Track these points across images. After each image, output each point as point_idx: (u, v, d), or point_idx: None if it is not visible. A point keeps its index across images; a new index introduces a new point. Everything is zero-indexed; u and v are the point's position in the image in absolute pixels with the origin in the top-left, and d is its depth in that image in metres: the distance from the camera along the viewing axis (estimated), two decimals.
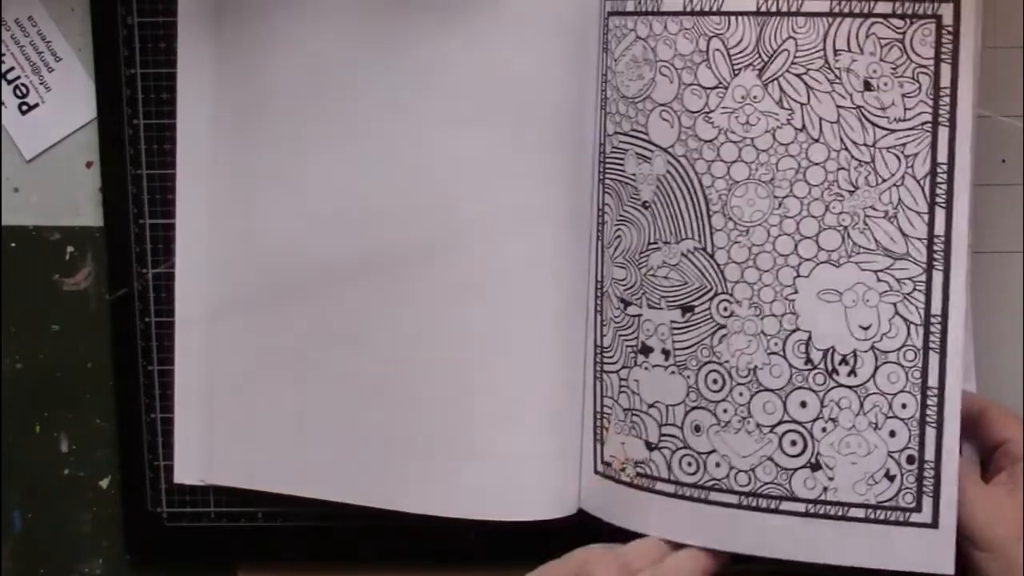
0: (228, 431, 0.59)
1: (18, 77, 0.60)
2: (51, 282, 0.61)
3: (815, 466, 0.52)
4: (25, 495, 0.63)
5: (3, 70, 0.60)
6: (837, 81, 0.50)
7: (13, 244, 0.61)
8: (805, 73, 0.51)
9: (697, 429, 0.53)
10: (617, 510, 0.56)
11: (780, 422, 0.52)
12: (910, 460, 0.51)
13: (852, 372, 0.51)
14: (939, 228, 0.51)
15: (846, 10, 0.50)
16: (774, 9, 0.50)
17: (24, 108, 0.60)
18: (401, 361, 0.57)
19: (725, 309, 0.52)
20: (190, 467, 0.60)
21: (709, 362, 0.53)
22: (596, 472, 0.57)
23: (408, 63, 0.56)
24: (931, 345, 0.51)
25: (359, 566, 0.62)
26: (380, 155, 0.57)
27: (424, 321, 0.57)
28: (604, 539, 0.55)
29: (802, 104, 0.51)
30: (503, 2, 0.55)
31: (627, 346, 0.55)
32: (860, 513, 0.52)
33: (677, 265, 0.53)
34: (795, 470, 0.52)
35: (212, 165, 0.59)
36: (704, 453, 0.53)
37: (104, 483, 0.62)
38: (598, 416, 0.57)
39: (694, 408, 0.53)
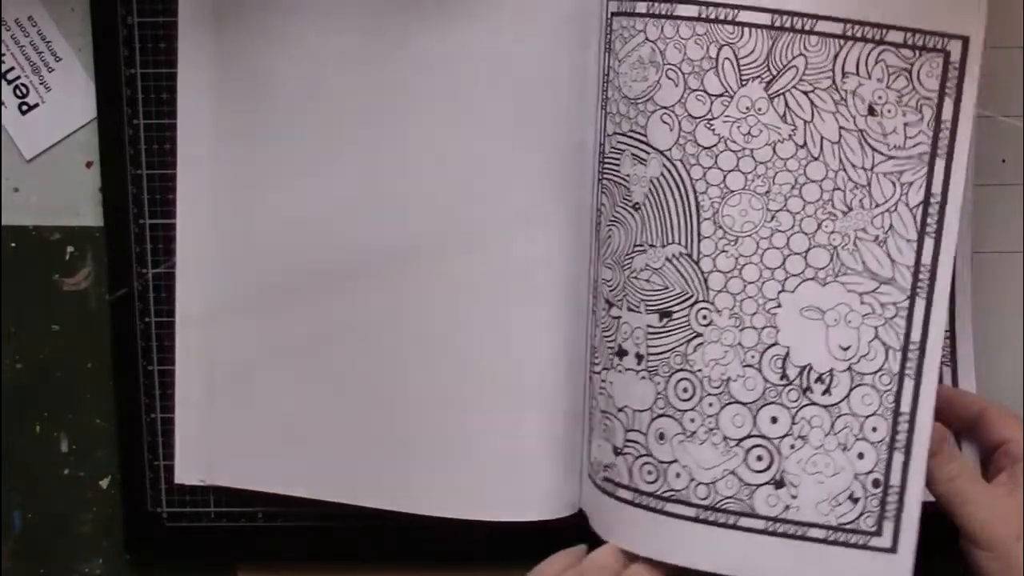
0: (228, 431, 0.59)
1: (18, 77, 0.60)
2: (51, 282, 0.61)
3: (779, 483, 0.52)
4: (25, 495, 0.63)
5: (3, 70, 0.60)
6: (842, 103, 0.51)
7: (13, 244, 0.61)
8: (812, 91, 0.51)
9: (661, 437, 0.53)
10: (594, 514, 0.56)
11: (748, 436, 0.52)
12: (875, 484, 0.51)
13: (827, 391, 0.51)
14: (926, 257, 0.51)
15: (858, 35, 0.50)
16: (788, 25, 0.51)
17: (24, 108, 0.60)
18: (402, 361, 0.57)
19: (704, 317, 0.52)
20: (190, 467, 0.60)
21: (681, 370, 0.52)
22: (588, 474, 0.57)
23: (408, 63, 0.56)
24: (907, 371, 0.51)
25: (359, 566, 0.62)
26: (380, 155, 0.57)
27: (425, 321, 0.57)
28: (602, 542, 0.55)
29: (806, 121, 0.51)
30: (504, 2, 0.55)
31: (607, 348, 0.55)
32: (820, 534, 0.51)
33: (660, 269, 0.53)
34: (758, 486, 0.52)
35: (212, 165, 0.59)
36: (665, 462, 0.53)
37: (104, 483, 0.62)
38: (589, 417, 0.57)
39: (660, 416, 0.53)
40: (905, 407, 0.51)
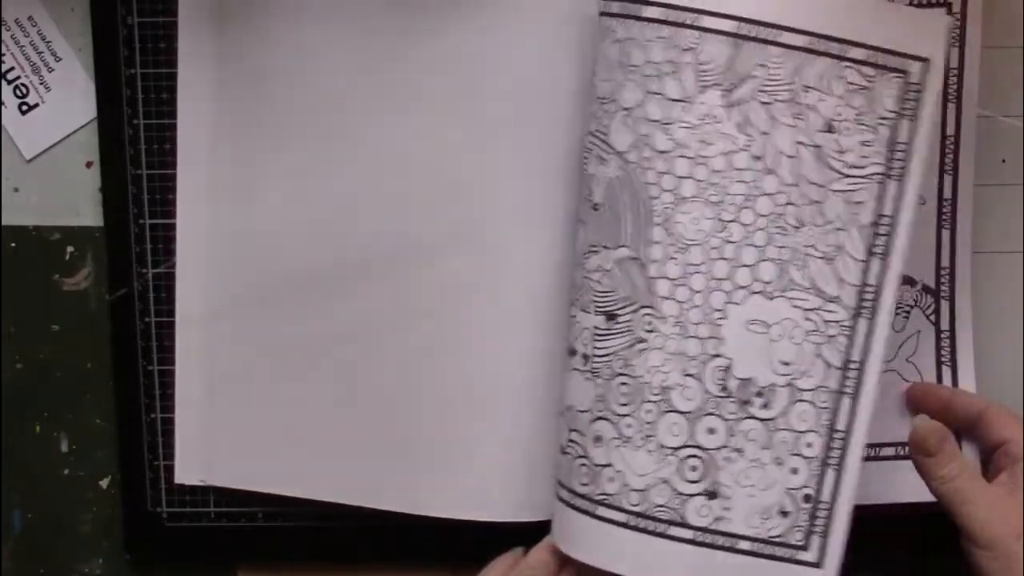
0: (228, 431, 0.59)
1: (18, 77, 0.60)
2: (51, 282, 0.61)
3: (712, 494, 0.51)
4: (25, 495, 0.63)
5: (3, 70, 0.60)
6: (801, 117, 0.50)
7: (13, 244, 0.61)
8: (771, 103, 0.50)
9: (598, 440, 0.52)
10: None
11: (684, 446, 0.51)
12: (807, 499, 0.51)
13: (766, 405, 0.51)
14: (872, 278, 0.51)
15: (821, 49, 0.50)
16: (751, 34, 0.50)
17: (24, 108, 0.60)
18: (401, 361, 0.57)
19: (648, 323, 0.51)
20: (190, 467, 0.60)
21: (622, 374, 0.52)
22: None
23: (408, 63, 0.56)
24: (846, 390, 0.51)
25: (359, 566, 0.62)
26: (380, 156, 0.57)
27: (424, 321, 0.57)
28: None
29: (763, 133, 0.50)
30: (504, 3, 0.55)
31: (565, 346, 0.55)
32: (748, 546, 0.51)
33: (610, 271, 0.52)
34: (691, 496, 0.51)
35: (212, 165, 0.59)
36: (600, 465, 0.52)
37: (104, 483, 0.62)
38: None
39: (599, 418, 0.52)
40: (841, 424, 0.51)
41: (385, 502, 0.58)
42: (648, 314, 0.51)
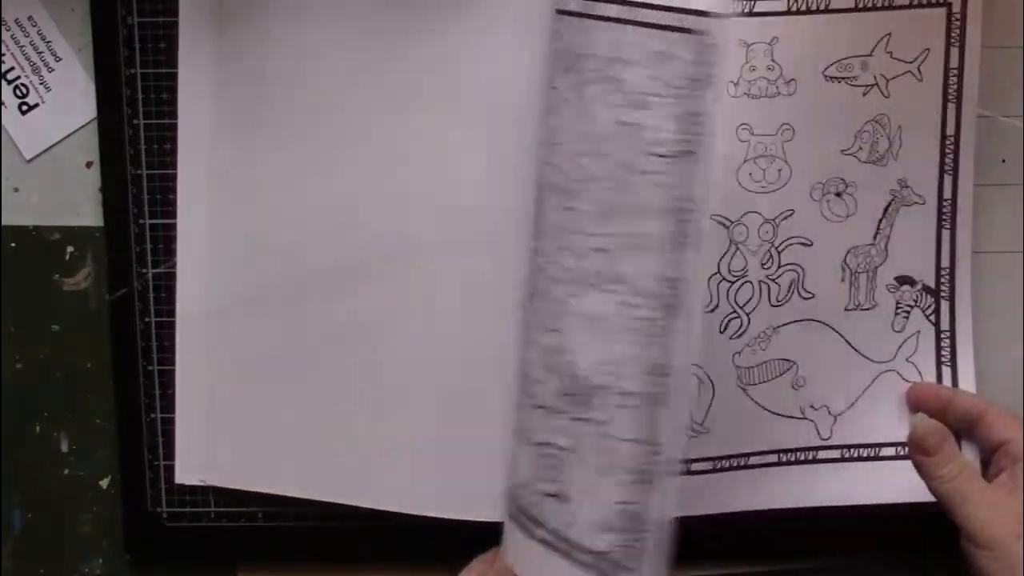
0: (228, 431, 0.59)
1: (18, 77, 0.60)
2: (51, 282, 0.61)
3: (562, 497, 0.49)
4: (25, 495, 0.63)
5: (3, 70, 0.60)
6: (616, 93, 0.46)
7: (13, 244, 0.61)
8: (594, 82, 0.47)
9: (515, 432, 0.53)
10: None
11: (542, 443, 0.50)
12: (632, 516, 0.47)
13: (598, 408, 0.47)
14: (680, 270, 0.45)
15: (631, 18, 0.46)
16: (576, 10, 0.47)
17: (24, 108, 0.60)
18: (402, 361, 0.57)
19: (533, 315, 0.51)
20: (191, 467, 0.60)
21: (523, 364, 0.52)
22: None
23: (408, 62, 0.56)
24: (659, 397, 0.46)
25: (359, 566, 0.62)
26: (380, 156, 0.57)
27: (424, 321, 0.57)
28: None
29: (592, 115, 0.47)
30: (505, 2, 0.55)
31: None
32: (587, 559, 0.48)
33: (530, 263, 0.53)
34: (545, 496, 0.50)
35: (212, 165, 0.59)
36: (514, 458, 0.52)
37: (104, 483, 0.62)
38: None
39: (518, 411, 0.53)
40: (658, 436, 0.46)
41: (385, 502, 0.58)
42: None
